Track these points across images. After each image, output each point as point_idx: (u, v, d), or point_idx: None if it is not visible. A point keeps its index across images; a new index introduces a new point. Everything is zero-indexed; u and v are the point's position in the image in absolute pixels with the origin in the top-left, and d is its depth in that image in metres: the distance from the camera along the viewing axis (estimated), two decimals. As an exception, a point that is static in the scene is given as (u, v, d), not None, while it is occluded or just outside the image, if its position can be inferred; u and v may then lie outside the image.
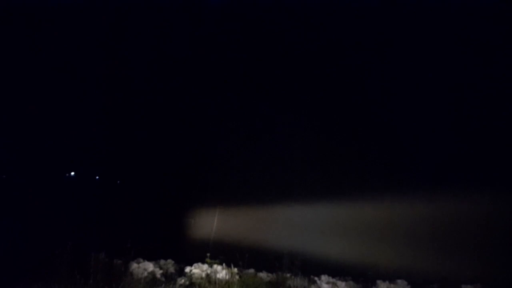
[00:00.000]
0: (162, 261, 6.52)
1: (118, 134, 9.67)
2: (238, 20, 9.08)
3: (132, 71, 9.41)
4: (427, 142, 8.19)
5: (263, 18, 9.02)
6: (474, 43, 7.95)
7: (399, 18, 8.38)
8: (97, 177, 10.65)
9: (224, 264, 6.14)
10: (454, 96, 8.30)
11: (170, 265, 6.46)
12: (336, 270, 6.50)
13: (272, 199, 8.09)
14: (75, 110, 9.53)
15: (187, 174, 9.33)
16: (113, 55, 9.43)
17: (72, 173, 10.68)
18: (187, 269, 6.09)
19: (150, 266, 6.10)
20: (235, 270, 6.01)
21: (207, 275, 5.92)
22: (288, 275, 6.03)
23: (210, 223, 7.91)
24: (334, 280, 6.15)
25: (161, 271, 6.11)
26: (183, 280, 5.89)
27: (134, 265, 6.03)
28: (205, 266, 6.12)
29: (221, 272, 5.93)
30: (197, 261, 6.30)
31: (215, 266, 6.10)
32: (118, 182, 10.43)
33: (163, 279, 5.98)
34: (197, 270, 6.03)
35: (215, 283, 5.75)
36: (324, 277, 6.14)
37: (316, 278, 6.14)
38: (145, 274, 5.91)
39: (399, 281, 6.13)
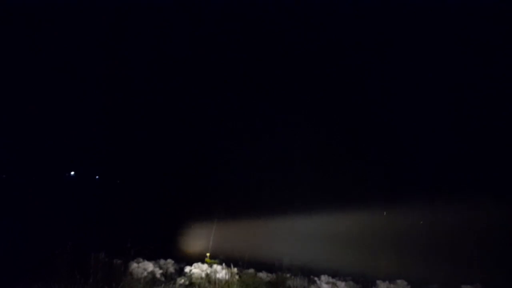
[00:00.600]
0: (162, 261, 6.51)
1: (118, 134, 9.68)
2: (238, 20, 9.09)
3: (132, 71, 9.42)
4: (426, 144, 8.19)
5: (263, 18, 9.02)
6: (474, 43, 7.95)
7: (399, 18, 8.39)
8: (97, 177, 10.66)
9: (223, 264, 6.14)
10: (454, 96, 8.30)
11: (170, 265, 6.45)
12: (336, 271, 6.49)
13: (273, 200, 8.09)
14: (75, 110, 9.54)
15: (187, 174, 9.33)
16: (113, 55, 9.44)
17: (72, 173, 10.69)
18: (187, 269, 6.09)
19: (150, 266, 6.10)
20: (235, 270, 6.00)
21: (207, 275, 5.92)
22: (288, 275, 6.03)
23: (210, 223, 7.91)
24: (333, 280, 6.14)
25: (160, 271, 6.11)
26: (182, 280, 5.89)
27: (134, 265, 6.03)
28: (205, 266, 6.12)
29: (220, 272, 5.93)
30: (196, 261, 6.30)
31: (214, 266, 6.10)
32: (118, 182, 10.44)
33: (162, 279, 5.98)
34: (197, 270, 6.03)
35: (214, 283, 5.74)
36: (324, 277, 6.13)
37: (316, 278, 6.13)
38: (145, 274, 5.91)
39: (399, 281, 6.12)
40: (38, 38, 8.97)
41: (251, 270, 6.33)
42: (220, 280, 5.78)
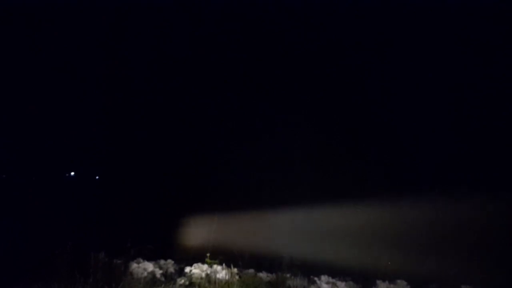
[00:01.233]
0: (162, 261, 6.51)
1: (118, 134, 9.68)
2: (238, 20, 9.08)
3: (132, 71, 9.43)
4: (426, 143, 8.19)
5: (263, 18, 9.02)
6: (474, 43, 7.95)
7: (399, 18, 8.39)
8: (97, 177, 10.66)
9: (224, 264, 6.14)
10: (454, 96, 8.29)
11: (170, 265, 6.45)
12: (336, 271, 6.49)
13: (272, 200, 8.09)
14: (75, 110, 9.54)
15: (187, 173, 9.33)
16: (113, 55, 9.44)
17: (72, 173, 10.69)
18: (187, 269, 6.09)
19: (150, 266, 6.10)
20: (235, 270, 6.00)
21: (207, 275, 5.92)
22: (288, 275, 6.03)
23: (210, 223, 7.90)
24: (334, 280, 6.15)
25: (161, 271, 6.11)
26: (183, 280, 5.89)
27: (134, 265, 6.04)
28: (205, 266, 6.12)
29: (221, 272, 5.93)
30: (197, 261, 6.30)
31: (215, 266, 6.10)
32: (118, 182, 10.43)
33: (163, 279, 5.98)
34: (197, 270, 6.03)
35: (215, 283, 5.75)
36: (324, 277, 6.14)
37: (316, 279, 6.13)
38: (145, 274, 5.91)
39: (398, 281, 6.13)
40: (38, 38, 8.97)
41: (251, 270, 6.33)
42: (220, 280, 5.78)
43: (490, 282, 6.04)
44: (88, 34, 9.14)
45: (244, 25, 9.13)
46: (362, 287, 6.13)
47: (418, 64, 8.37)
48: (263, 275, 6.27)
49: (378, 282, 6.12)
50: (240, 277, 5.99)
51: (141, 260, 6.25)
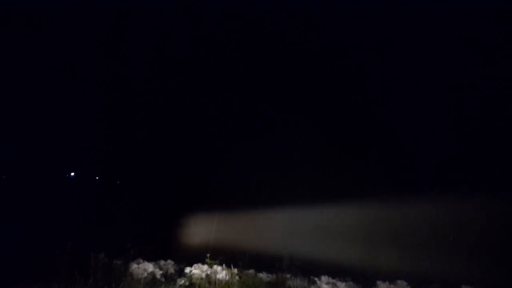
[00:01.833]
0: (162, 262, 6.51)
1: (118, 134, 9.69)
2: (238, 20, 9.08)
3: (132, 71, 9.42)
4: (426, 143, 8.18)
5: (263, 18, 9.02)
6: (474, 43, 7.94)
7: (399, 18, 8.38)
8: (97, 177, 10.66)
9: (224, 265, 6.14)
10: (454, 96, 8.29)
11: (170, 265, 6.45)
12: (336, 271, 6.49)
13: (272, 200, 8.08)
14: (75, 111, 9.54)
15: (187, 174, 9.33)
16: (113, 55, 9.44)
17: (72, 174, 10.69)
18: (187, 269, 6.09)
19: (150, 267, 6.10)
20: (235, 270, 6.00)
21: (207, 275, 5.92)
22: (288, 275, 6.03)
23: (210, 224, 7.91)
24: (334, 280, 6.14)
25: (161, 272, 6.11)
26: (183, 281, 5.89)
27: (134, 266, 6.03)
28: (205, 267, 6.12)
29: (221, 273, 5.93)
30: (197, 262, 6.29)
31: (215, 266, 6.10)
32: (118, 182, 10.44)
33: (163, 279, 5.98)
34: (197, 270, 6.02)
35: (215, 283, 5.75)
36: (324, 278, 6.13)
37: (316, 279, 6.13)
38: (145, 274, 5.91)
39: (399, 281, 6.12)
40: (38, 38, 8.97)
41: (251, 271, 6.33)
42: (220, 281, 5.78)
43: (490, 282, 6.04)
44: (88, 34, 9.14)
45: (244, 25, 9.13)
46: (362, 287, 6.13)
47: (418, 64, 8.37)
48: (263, 275, 6.27)
49: (378, 282, 6.11)
50: (240, 277, 5.99)
51: (141, 261, 6.24)
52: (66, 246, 5.79)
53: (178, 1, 9.08)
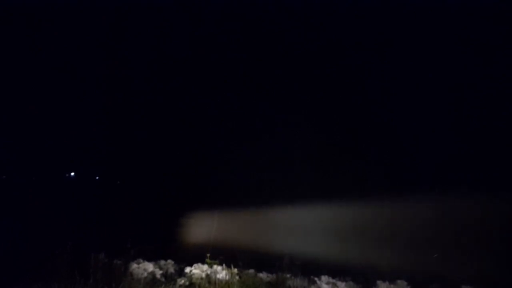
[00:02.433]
0: (162, 262, 6.51)
1: (118, 134, 9.69)
2: (238, 20, 9.08)
3: (132, 71, 9.43)
4: (426, 143, 8.18)
5: (263, 18, 9.02)
6: (474, 43, 7.94)
7: (399, 18, 8.38)
8: (97, 177, 10.67)
9: (224, 265, 6.14)
10: (454, 96, 8.29)
11: (170, 265, 6.45)
12: (336, 271, 6.49)
13: (272, 200, 8.09)
14: (75, 111, 9.54)
15: (187, 174, 9.33)
16: (113, 55, 9.45)
17: (72, 174, 10.69)
18: (187, 269, 6.09)
19: (150, 267, 6.10)
20: (235, 270, 6.00)
21: (207, 275, 5.91)
22: (288, 275, 6.02)
23: (210, 224, 7.91)
24: (334, 280, 6.14)
25: (161, 272, 6.11)
26: (183, 281, 5.89)
27: (134, 266, 6.03)
28: (205, 267, 6.12)
29: (221, 273, 5.93)
30: (197, 262, 6.29)
31: (215, 266, 6.09)
32: (118, 182, 10.44)
33: (163, 279, 5.98)
34: (197, 270, 6.02)
35: (215, 283, 5.75)
36: (324, 278, 6.13)
37: (316, 279, 6.13)
38: (145, 274, 5.91)
39: (399, 281, 6.12)
40: (38, 38, 8.97)
41: (251, 271, 6.32)
42: (220, 281, 5.78)
43: (490, 281, 6.03)
44: (88, 34, 9.15)
45: (244, 25, 9.13)
46: (362, 287, 6.13)
47: (418, 64, 8.37)
48: (263, 275, 6.27)
49: (378, 282, 6.11)
50: (240, 277, 5.99)
51: (141, 261, 6.24)
52: (66, 246, 5.78)
53: (178, 1, 9.09)
